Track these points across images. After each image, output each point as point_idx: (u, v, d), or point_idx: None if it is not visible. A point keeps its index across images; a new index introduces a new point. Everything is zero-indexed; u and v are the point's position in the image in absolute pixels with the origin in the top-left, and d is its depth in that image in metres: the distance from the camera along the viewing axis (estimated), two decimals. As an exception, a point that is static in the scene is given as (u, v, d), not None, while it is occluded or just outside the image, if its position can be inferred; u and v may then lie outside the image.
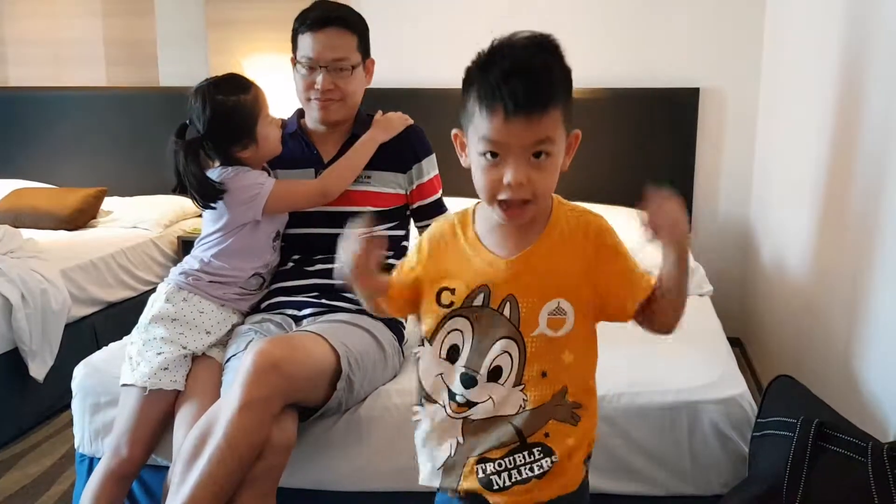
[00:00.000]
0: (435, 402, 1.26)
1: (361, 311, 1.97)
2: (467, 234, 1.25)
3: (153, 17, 3.98)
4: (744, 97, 3.42)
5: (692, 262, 2.72)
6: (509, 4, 3.38)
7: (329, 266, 2.02)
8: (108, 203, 3.79)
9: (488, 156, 1.13)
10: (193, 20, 3.92)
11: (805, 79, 2.56)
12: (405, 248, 2.14)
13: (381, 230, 2.06)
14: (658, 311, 1.24)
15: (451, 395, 1.24)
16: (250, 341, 1.80)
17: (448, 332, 1.23)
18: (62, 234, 3.48)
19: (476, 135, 1.14)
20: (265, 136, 1.95)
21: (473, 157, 1.17)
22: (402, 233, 2.12)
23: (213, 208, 1.95)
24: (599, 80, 3.40)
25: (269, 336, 1.84)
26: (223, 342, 1.94)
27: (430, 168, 2.12)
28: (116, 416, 1.89)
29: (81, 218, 3.61)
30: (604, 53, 3.46)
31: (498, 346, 1.20)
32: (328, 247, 2.02)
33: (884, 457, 1.41)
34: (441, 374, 1.24)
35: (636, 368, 1.93)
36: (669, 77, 3.44)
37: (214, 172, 1.95)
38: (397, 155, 2.08)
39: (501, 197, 1.14)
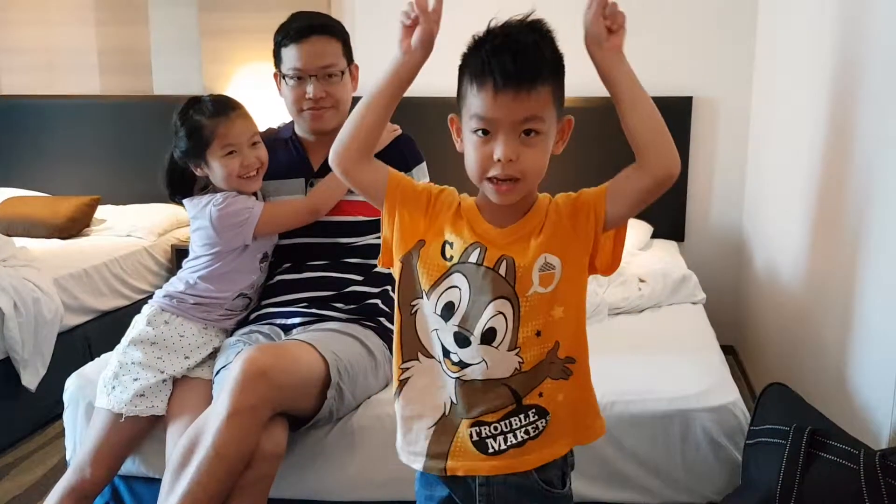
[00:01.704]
0: (431, 357, 1.25)
1: (351, 320, 1.97)
2: (464, 203, 1.27)
3: (147, 25, 3.98)
4: (736, 106, 3.44)
5: (685, 271, 2.73)
6: (502, 13, 3.38)
7: (319, 274, 2.02)
8: (102, 211, 3.78)
9: (480, 133, 1.16)
10: (187, 29, 3.92)
11: (797, 88, 2.57)
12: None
13: (371, 239, 2.07)
14: (635, 131, 1.18)
15: (446, 353, 1.23)
16: (239, 352, 1.78)
17: (446, 289, 1.22)
18: (55, 243, 3.47)
19: (468, 113, 1.17)
20: (215, 166, 1.93)
21: (466, 136, 1.19)
22: (393, 241, 2.12)
23: (180, 203, 2.01)
24: (593, 89, 3.37)
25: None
26: (207, 363, 1.94)
27: (420, 176, 2.11)
28: (85, 434, 1.90)
29: (74, 226, 3.59)
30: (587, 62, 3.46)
31: (492, 307, 1.20)
32: (318, 255, 2.04)
33: (876, 464, 1.42)
34: (436, 329, 1.24)
35: (629, 377, 1.93)
36: (662, 86, 3.45)
37: (205, 198, 1.96)
38: (387, 164, 2.07)
39: (491, 174, 1.16)
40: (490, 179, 1.17)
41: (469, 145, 1.19)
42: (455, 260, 1.22)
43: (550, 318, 1.21)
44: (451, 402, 1.24)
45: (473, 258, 1.21)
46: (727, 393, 1.87)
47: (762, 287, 2.97)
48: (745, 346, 3.34)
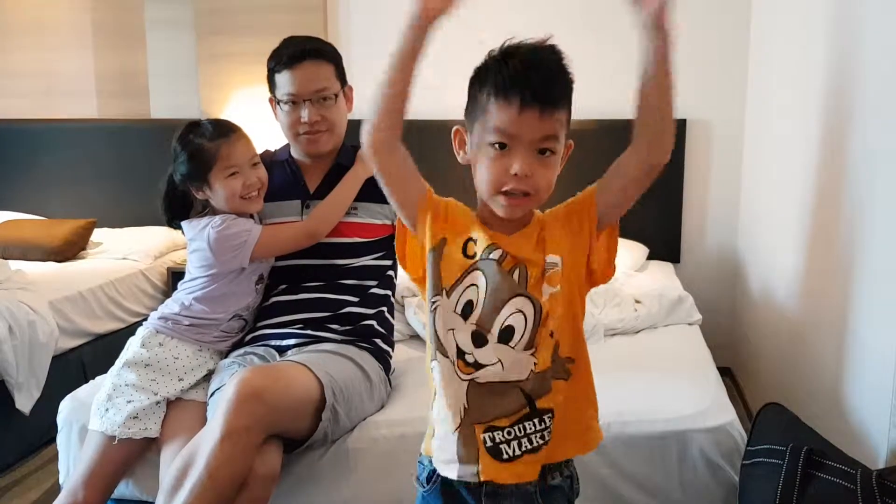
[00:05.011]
0: (447, 357, 1.24)
1: (346, 342, 1.97)
2: (471, 214, 1.28)
3: (144, 50, 4.01)
4: (730, 128, 3.46)
5: (681, 292, 2.73)
6: (501, 38, 3.41)
7: (314, 296, 2.02)
8: (98, 234, 3.78)
9: (497, 146, 1.17)
10: (185, 53, 3.95)
11: (790, 110, 2.59)
12: (391, 278, 2.14)
13: (368, 260, 2.07)
14: (653, 106, 1.19)
15: (460, 354, 1.22)
16: (233, 374, 1.77)
17: (466, 287, 1.23)
18: (51, 266, 3.46)
19: (485, 127, 1.18)
20: (217, 188, 1.94)
21: (480, 149, 1.20)
22: (388, 263, 2.13)
23: (178, 227, 2.01)
24: (587, 112, 3.41)
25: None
26: (202, 385, 1.93)
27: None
28: (79, 457, 1.88)
29: (71, 249, 3.59)
30: (592, 85, 3.46)
31: (511, 305, 1.20)
32: (314, 277, 2.04)
33: (873, 483, 1.41)
34: (453, 329, 1.23)
35: (625, 398, 1.92)
36: (657, 108, 3.48)
37: (203, 220, 1.97)
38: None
39: (506, 188, 1.17)
40: (502, 193, 1.18)
41: (483, 158, 1.20)
42: (478, 257, 1.23)
43: (558, 317, 1.23)
44: (464, 406, 1.23)
45: (495, 255, 1.22)
46: (724, 413, 1.87)
47: (758, 308, 2.97)
48: (741, 366, 3.34)
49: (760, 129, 3.14)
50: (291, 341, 1.96)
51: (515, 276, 1.22)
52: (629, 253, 3.24)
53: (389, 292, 2.13)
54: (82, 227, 3.67)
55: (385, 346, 2.06)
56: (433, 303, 1.25)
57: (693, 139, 3.48)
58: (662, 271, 3.28)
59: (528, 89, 1.14)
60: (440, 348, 1.25)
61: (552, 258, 1.23)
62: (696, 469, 1.79)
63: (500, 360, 1.21)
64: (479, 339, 1.21)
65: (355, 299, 2.03)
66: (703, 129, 3.48)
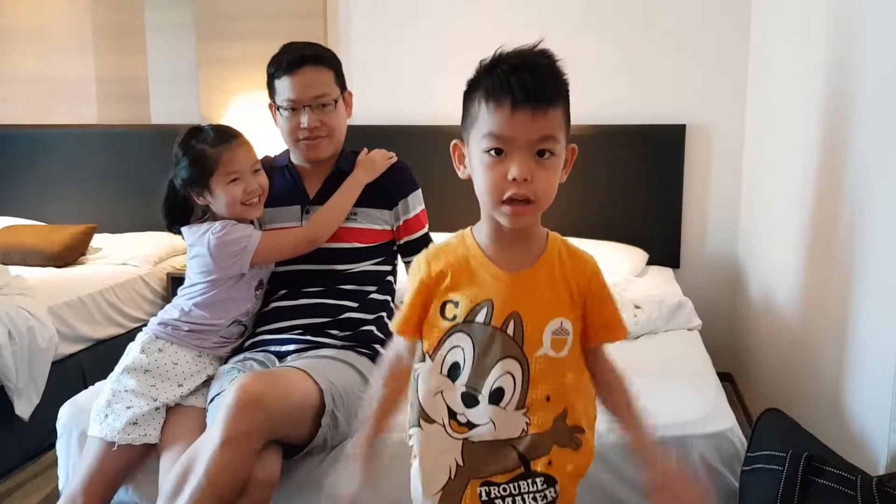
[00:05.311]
0: (433, 421, 1.23)
1: (346, 347, 1.97)
2: (469, 247, 1.24)
3: (145, 55, 4.02)
4: (729, 134, 3.46)
5: (681, 297, 2.73)
6: (500, 43, 3.40)
7: (314, 301, 2.02)
8: (98, 240, 3.78)
9: (492, 152, 1.14)
10: (185, 58, 3.95)
11: (789, 112, 2.59)
12: (390, 283, 2.14)
13: (367, 266, 2.07)
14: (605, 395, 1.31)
15: (452, 414, 1.21)
16: (233, 379, 1.77)
17: (450, 349, 1.21)
18: (51, 271, 3.46)
19: (480, 134, 1.15)
20: (219, 194, 1.94)
21: (476, 160, 1.17)
22: (388, 268, 2.13)
23: (178, 232, 2.01)
24: (587, 117, 3.44)
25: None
26: (202, 391, 1.93)
27: (416, 203, 2.13)
28: (79, 463, 1.88)
29: (70, 255, 3.59)
30: (591, 90, 3.50)
31: (499, 367, 1.18)
32: (313, 282, 2.04)
33: (873, 490, 1.41)
34: (441, 391, 1.22)
35: (625, 403, 1.92)
36: (656, 114, 3.48)
37: (203, 226, 1.97)
38: (383, 191, 2.09)
39: (506, 195, 1.13)
40: (504, 202, 1.14)
41: (480, 167, 1.16)
42: (459, 319, 1.20)
43: (562, 384, 1.20)
44: (458, 464, 1.21)
45: (481, 318, 1.19)
46: (724, 419, 1.87)
47: (758, 313, 2.97)
48: (741, 372, 3.34)
49: (760, 132, 3.14)
50: (291, 347, 1.96)
51: (510, 328, 1.18)
52: (629, 258, 3.24)
53: (389, 297, 2.13)
54: (82, 232, 3.66)
55: (384, 351, 2.05)
56: (415, 370, 1.25)
57: (692, 144, 3.48)
58: (662, 276, 3.28)
59: (519, 89, 1.11)
60: (423, 415, 1.24)
61: (566, 324, 1.20)
62: (696, 475, 1.79)
63: (491, 420, 1.19)
64: (469, 401, 1.20)
65: (354, 304, 2.03)
66: (703, 134, 3.49)
